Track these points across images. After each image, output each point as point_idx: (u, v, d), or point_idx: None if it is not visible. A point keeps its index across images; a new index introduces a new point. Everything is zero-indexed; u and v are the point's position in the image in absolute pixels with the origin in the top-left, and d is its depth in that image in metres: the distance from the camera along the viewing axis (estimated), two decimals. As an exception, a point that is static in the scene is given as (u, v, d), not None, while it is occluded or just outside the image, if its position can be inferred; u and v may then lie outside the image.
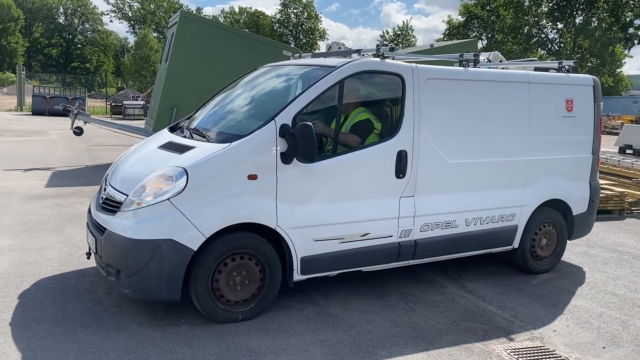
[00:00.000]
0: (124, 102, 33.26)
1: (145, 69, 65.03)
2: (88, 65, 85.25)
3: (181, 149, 4.49)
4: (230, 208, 4.19)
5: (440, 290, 5.33)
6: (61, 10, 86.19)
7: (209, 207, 4.12)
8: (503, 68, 6.08)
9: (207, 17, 39.50)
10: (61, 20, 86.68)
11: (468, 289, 5.41)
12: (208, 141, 4.50)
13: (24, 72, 36.06)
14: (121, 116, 29.89)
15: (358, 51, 5.16)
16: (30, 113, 30.61)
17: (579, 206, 6.14)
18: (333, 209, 4.59)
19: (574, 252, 6.90)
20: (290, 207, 4.38)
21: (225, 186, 4.18)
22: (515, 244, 5.74)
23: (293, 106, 4.39)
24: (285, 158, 4.28)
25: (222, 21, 75.95)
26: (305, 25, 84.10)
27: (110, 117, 29.86)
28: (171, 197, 4.05)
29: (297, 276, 4.53)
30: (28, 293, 4.71)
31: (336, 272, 4.79)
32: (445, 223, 5.16)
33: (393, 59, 5.02)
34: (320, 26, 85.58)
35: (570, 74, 6.05)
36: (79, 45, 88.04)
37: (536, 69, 6.19)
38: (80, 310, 4.39)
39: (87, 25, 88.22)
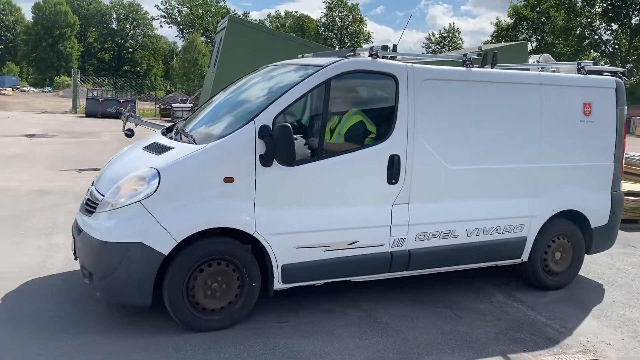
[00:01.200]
0: (172, 104, 34.06)
1: (193, 73, 66.43)
2: (138, 69, 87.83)
3: (161, 149, 4.38)
4: (204, 212, 4.04)
5: (488, 299, 5.22)
6: (114, 15, 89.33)
7: (182, 210, 3.99)
8: (553, 71, 5.83)
9: (254, 22, 40.09)
10: (114, 26, 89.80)
11: (516, 298, 5.28)
12: (190, 142, 4.36)
13: (78, 76, 37.48)
14: (170, 118, 30.61)
15: (353, 50, 4.86)
16: (84, 115, 31.74)
17: (598, 218, 5.66)
18: (317, 215, 4.38)
19: (629, 262, 6.64)
20: (271, 212, 4.20)
21: (200, 189, 4.04)
22: (525, 257, 5.34)
23: (274, 107, 4.21)
24: (265, 161, 4.10)
25: (268, 25, 76.85)
26: (350, 29, 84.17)
27: (159, 119, 30.63)
28: (142, 199, 3.95)
29: (278, 285, 4.33)
30: (82, 290, 4.87)
31: (322, 282, 4.59)
32: (443, 233, 4.86)
33: (394, 59, 4.82)
34: (365, 29, 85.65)
35: (590, 76, 5.60)
36: (130, 50, 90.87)
37: (588, 72, 5.92)
38: (129, 308, 4.51)
39: (138, 30, 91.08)
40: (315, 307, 4.73)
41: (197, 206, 4.02)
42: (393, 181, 4.55)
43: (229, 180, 4.07)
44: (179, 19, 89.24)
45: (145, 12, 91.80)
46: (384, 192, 4.57)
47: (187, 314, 4.10)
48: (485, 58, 5.43)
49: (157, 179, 3.97)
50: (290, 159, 4.07)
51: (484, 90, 4.99)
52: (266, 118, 4.15)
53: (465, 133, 4.91)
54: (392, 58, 4.83)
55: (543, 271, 5.49)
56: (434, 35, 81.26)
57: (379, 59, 4.64)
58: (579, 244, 5.65)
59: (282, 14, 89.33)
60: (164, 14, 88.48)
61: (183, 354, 3.82)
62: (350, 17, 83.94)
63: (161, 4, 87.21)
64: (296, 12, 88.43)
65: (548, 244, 5.48)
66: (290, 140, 4.01)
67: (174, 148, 4.32)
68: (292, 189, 4.28)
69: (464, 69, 5.02)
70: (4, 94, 49.81)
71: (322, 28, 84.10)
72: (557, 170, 5.36)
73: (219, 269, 4.16)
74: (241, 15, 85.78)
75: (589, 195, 5.58)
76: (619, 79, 5.78)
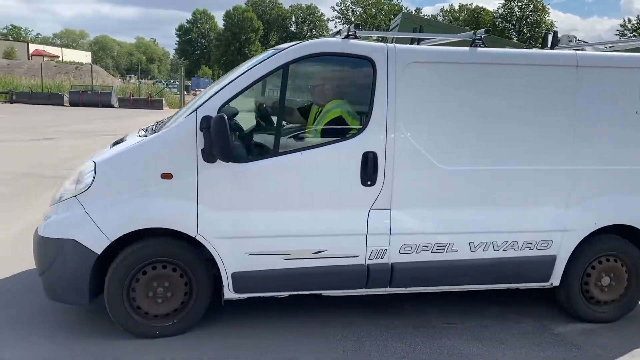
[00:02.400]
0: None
1: (364, 71, 67.97)
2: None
3: (117, 142, 4.17)
4: (139, 210, 3.76)
5: (691, 321, 4.55)
6: (293, 19, 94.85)
7: (115, 207, 3.74)
8: None
9: (426, 18, 39.56)
10: (293, 29, 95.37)
11: None
12: (146, 135, 4.03)
13: (261, 77, 40.56)
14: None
15: (339, 32, 4.27)
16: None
17: None
18: (274, 218, 3.88)
19: None
20: (216, 214, 3.80)
21: (136, 185, 3.76)
22: (555, 281, 4.34)
23: (219, 96, 3.79)
24: (206, 156, 3.69)
25: (440, 20, 75.42)
26: (530, 19, 79.01)
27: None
28: (78, 193, 3.77)
29: (230, 294, 3.94)
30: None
31: (286, 294, 4.10)
32: (437, 246, 4.09)
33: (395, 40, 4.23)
34: (547, 18, 79.71)
35: None
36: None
37: None
38: (297, 301, 4.56)
39: (314, 32, 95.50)
40: (484, 311, 4.57)
41: (132, 203, 3.76)
42: (369, 183, 3.92)
43: (166, 176, 3.75)
44: (352, 19, 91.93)
45: (322, 14, 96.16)
46: (357, 195, 3.95)
47: (127, 318, 3.88)
48: (545, 39, 4.62)
49: (93, 173, 3.79)
50: (225, 155, 3.64)
51: (495, 74, 4.11)
52: (209, 108, 3.76)
53: (467, 127, 4.09)
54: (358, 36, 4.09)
55: (583, 299, 4.45)
56: (629, 21, 72.68)
57: (351, 40, 3.96)
58: (638, 268, 4.48)
59: (456, 7, 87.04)
60: (338, 15, 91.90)
61: (351, 344, 3.96)
62: (531, 6, 78.77)
63: (336, 5, 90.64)
64: (471, 4, 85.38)
65: (590, 266, 4.43)
66: (225, 133, 3.58)
67: (125, 141, 4.10)
68: (242, 188, 3.84)
69: (465, 49, 4.17)
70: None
71: (499, 19, 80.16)
72: (600, 174, 4.28)
73: (164, 273, 3.89)
74: (413, 12, 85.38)
75: None
76: None
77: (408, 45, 4.21)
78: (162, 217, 3.79)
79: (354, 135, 3.95)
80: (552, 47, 4.73)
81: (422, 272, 4.12)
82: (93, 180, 3.75)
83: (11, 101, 32.58)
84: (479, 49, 4.15)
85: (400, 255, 4.05)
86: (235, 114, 4.20)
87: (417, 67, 3.97)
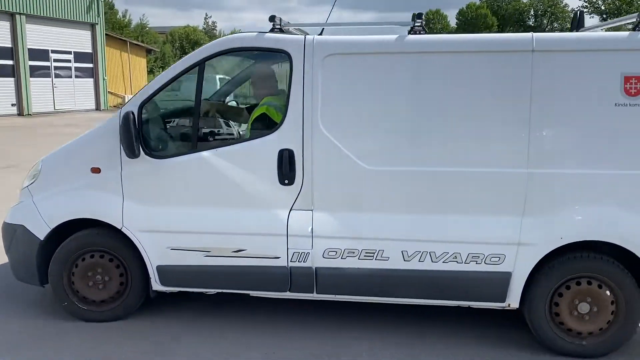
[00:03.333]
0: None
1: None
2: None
3: None
4: (72, 201, 4.19)
5: None
6: (532, 12, 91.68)
7: (54, 198, 4.21)
8: None
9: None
10: (531, 23, 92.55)
11: None
12: None
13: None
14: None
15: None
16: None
17: None
18: (192, 215, 4.06)
19: None
20: (140, 208, 4.10)
21: (70, 178, 4.21)
22: (513, 302, 3.84)
23: (142, 93, 4.04)
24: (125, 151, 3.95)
25: None
26: None
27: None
28: (29, 184, 4.33)
29: (158, 286, 4.22)
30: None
31: (214, 291, 4.29)
32: (365, 252, 3.87)
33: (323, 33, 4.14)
34: None
35: None
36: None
37: None
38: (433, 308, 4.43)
39: (555, 25, 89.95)
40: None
41: (67, 195, 4.21)
42: (286, 182, 3.89)
43: (95, 170, 4.12)
44: (602, 8, 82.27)
45: (565, 4, 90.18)
46: (276, 195, 3.93)
47: (66, 300, 4.29)
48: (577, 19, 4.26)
49: (40, 165, 4.33)
50: (129, 151, 3.92)
51: (431, 64, 3.77)
52: (131, 106, 4.00)
53: (397, 124, 3.83)
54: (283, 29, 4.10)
55: (553, 327, 3.83)
56: None
57: (266, 33, 3.94)
58: (628, 294, 3.73)
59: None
60: (585, 4, 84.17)
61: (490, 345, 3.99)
62: None
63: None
64: None
65: (559, 289, 3.81)
66: (128, 130, 3.85)
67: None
68: (162, 183, 4.10)
69: (392, 37, 3.84)
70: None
71: None
72: (568, 179, 3.69)
73: (101, 262, 4.27)
74: None
75: (638, 220, 3.68)
76: None
77: (327, 36, 4.02)
78: (91, 209, 4.22)
79: (272, 132, 3.92)
80: (577, 30, 4.23)
81: (349, 279, 3.97)
82: (39, 172, 4.34)
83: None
84: (409, 36, 3.85)
85: (324, 259, 3.96)
86: (170, 112, 4.56)
87: (336, 60, 3.82)
